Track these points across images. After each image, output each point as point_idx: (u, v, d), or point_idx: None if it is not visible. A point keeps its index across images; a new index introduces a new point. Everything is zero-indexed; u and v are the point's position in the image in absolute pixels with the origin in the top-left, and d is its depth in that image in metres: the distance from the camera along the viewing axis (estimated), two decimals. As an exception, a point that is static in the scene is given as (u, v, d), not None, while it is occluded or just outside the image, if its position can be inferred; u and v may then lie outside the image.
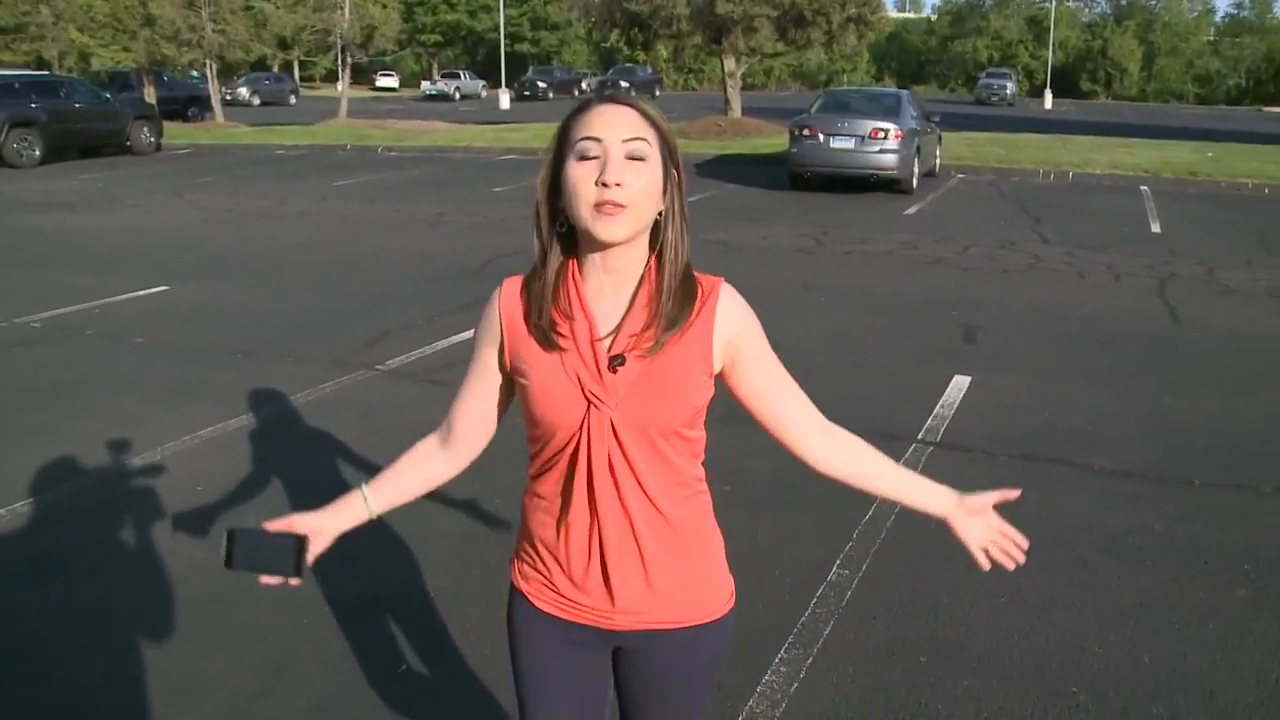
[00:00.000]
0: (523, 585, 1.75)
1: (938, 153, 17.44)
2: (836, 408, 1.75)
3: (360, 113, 31.17)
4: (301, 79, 57.62)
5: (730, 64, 24.03)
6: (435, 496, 4.23)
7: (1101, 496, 4.49)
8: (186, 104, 30.30)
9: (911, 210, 13.63)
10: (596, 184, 1.51)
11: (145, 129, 21.50)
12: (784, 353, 1.71)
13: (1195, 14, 74.08)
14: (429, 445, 1.78)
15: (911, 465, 4.29)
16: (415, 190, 15.66)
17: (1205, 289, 8.87)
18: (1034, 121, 31.37)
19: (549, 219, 1.61)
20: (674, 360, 1.58)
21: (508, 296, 1.65)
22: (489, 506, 4.28)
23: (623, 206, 1.51)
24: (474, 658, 3.24)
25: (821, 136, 14.98)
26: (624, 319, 1.58)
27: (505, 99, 42.46)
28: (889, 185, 15.03)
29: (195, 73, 32.46)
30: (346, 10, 29.21)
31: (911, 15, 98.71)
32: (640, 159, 1.53)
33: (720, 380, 1.67)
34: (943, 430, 5.27)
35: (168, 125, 23.66)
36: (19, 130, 18.64)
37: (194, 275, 9.17)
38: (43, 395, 5.85)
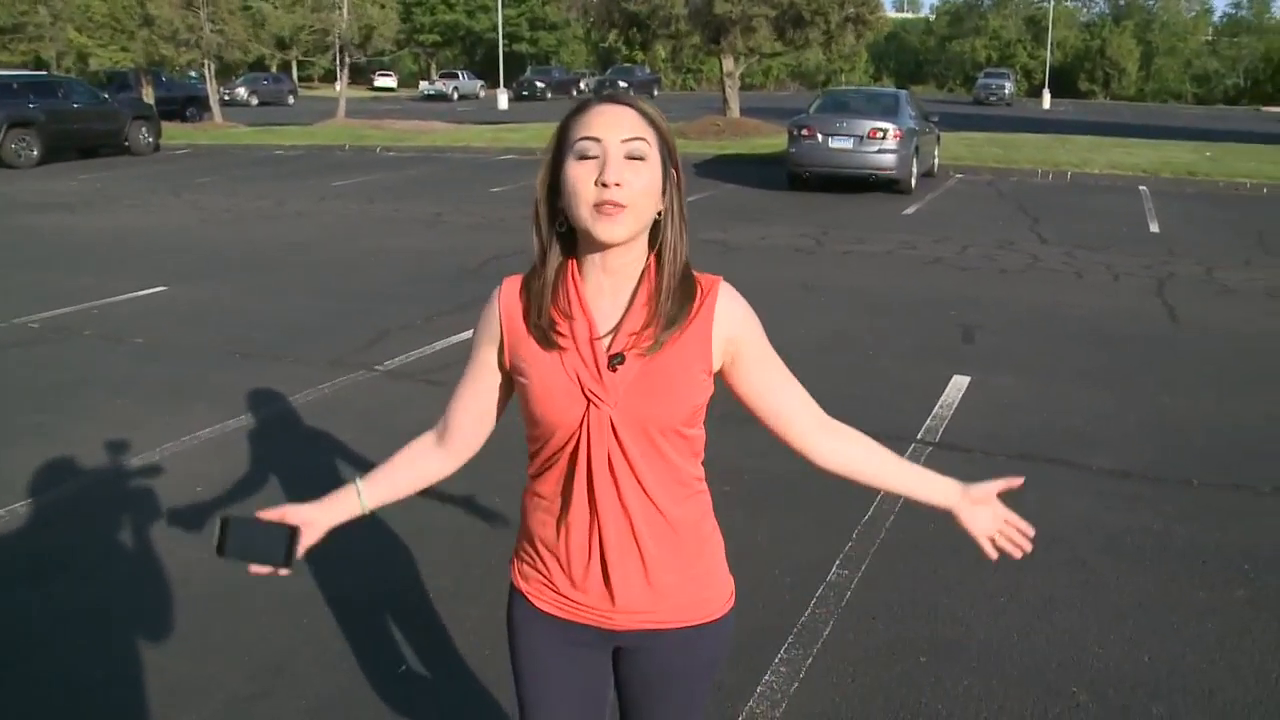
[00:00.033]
0: (522, 585, 1.75)
1: (936, 153, 17.44)
2: (836, 408, 1.75)
3: (358, 113, 31.16)
4: (299, 79, 57.56)
5: (728, 64, 24.04)
6: (435, 496, 4.26)
7: (1100, 496, 4.50)
8: (185, 104, 30.26)
9: (910, 210, 13.64)
10: (596, 184, 1.51)
11: (143, 129, 21.49)
12: (783, 353, 1.71)
13: (1193, 14, 74.10)
14: (424, 443, 1.78)
15: (911, 465, 4.29)
16: (414, 190, 15.66)
17: (1204, 289, 8.88)
18: (1032, 121, 31.38)
19: (548, 219, 1.61)
20: (673, 359, 1.58)
21: (507, 295, 1.65)
22: (488, 506, 4.28)
23: (622, 207, 1.51)
24: (474, 658, 3.24)
25: (820, 136, 14.98)
26: (623, 318, 1.58)
27: (503, 99, 42.44)
28: (887, 185, 15.03)
29: (193, 73, 32.44)
30: (344, 10, 29.20)
31: (910, 15, 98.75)
32: (640, 159, 1.54)
33: (720, 379, 1.68)
34: (941, 430, 5.27)
35: (166, 125, 23.65)
36: (17, 130, 18.63)
37: (192, 276, 9.16)
38: (41, 396, 5.85)
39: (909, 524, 4.16)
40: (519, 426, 1.70)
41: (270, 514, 1.66)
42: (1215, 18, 77.23)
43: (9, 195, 14.88)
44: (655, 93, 50.27)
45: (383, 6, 30.95)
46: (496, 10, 50.76)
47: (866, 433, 1.76)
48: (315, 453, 5.01)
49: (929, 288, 8.80)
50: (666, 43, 25.40)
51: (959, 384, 6.01)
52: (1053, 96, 50.24)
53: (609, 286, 1.60)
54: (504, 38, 50.19)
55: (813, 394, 1.74)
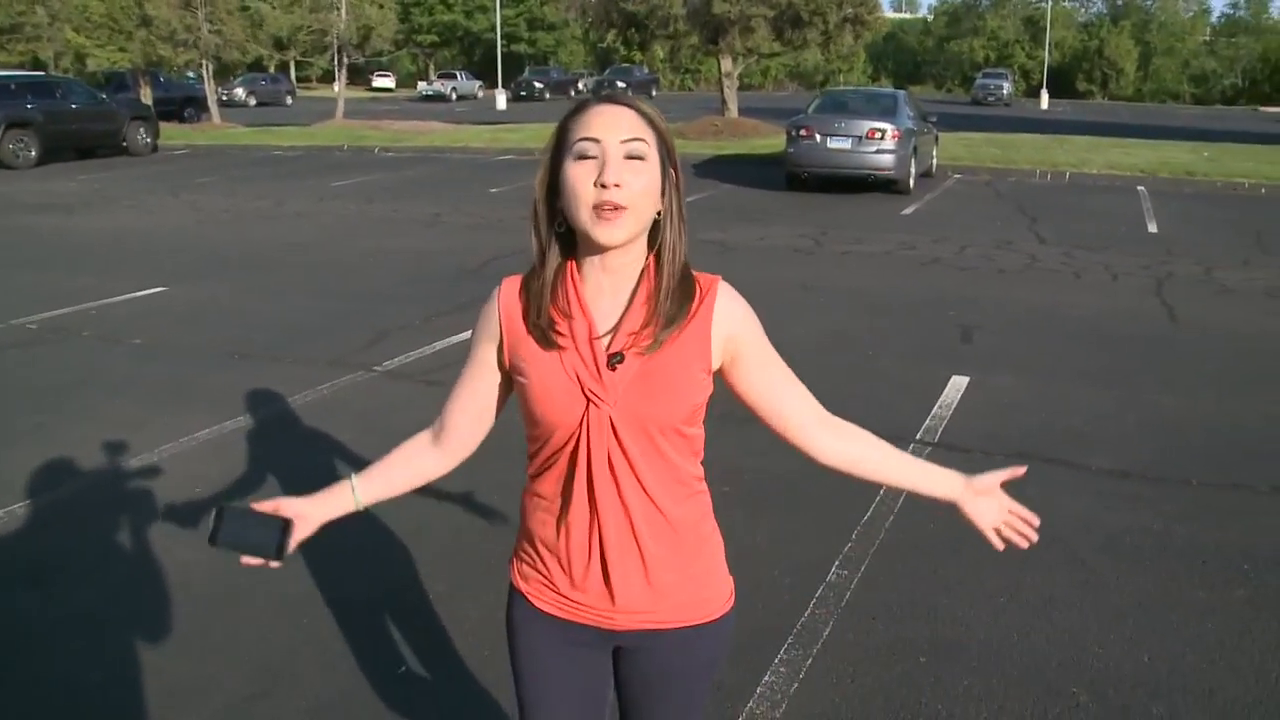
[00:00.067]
0: (522, 585, 1.75)
1: (934, 153, 17.45)
2: (835, 408, 1.75)
3: (357, 113, 31.15)
4: (298, 79, 57.56)
5: (727, 64, 24.04)
6: (434, 496, 4.25)
7: (1099, 496, 4.50)
8: (183, 105, 30.26)
9: (908, 210, 13.64)
10: (595, 185, 1.51)
11: (142, 130, 21.48)
12: (782, 354, 1.71)
13: (1191, 14, 74.22)
14: (421, 441, 1.78)
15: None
16: (412, 191, 15.65)
17: (1202, 289, 8.88)
18: (1030, 121, 31.39)
19: (547, 219, 1.61)
20: (672, 357, 1.58)
21: (507, 295, 1.65)
22: (488, 506, 4.28)
23: (622, 208, 1.51)
24: (473, 659, 3.24)
25: (818, 137, 14.99)
26: (622, 317, 1.58)
27: (502, 99, 42.45)
28: (886, 185, 15.04)
29: (191, 73, 32.39)
30: (343, 11, 29.19)
31: (908, 15, 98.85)
32: (639, 159, 1.54)
33: (721, 378, 1.68)
34: (941, 430, 5.27)
35: (164, 126, 23.63)
36: (15, 131, 18.62)
37: (191, 276, 9.16)
38: (39, 397, 5.84)
39: (909, 524, 4.16)
40: (518, 426, 1.69)
41: (264, 506, 1.67)
42: (1213, 18, 77.50)
43: (7, 196, 14.87)
44: (653, 93, 50.26)
45: (381, 7, 30.93)
46: (495, 10, 50.74)
47: (867, 432, 1.76)
48: (314, 453, 5.01)
49: (927, 288, 8.80)
50: (665, 43, 25.41)
51: (958, 384, 6.01)
52: (1051, 97, 50.27)
53: (608, 286, 1.60)
54: (502, 38, 50.18)
55: (812, 394, 1.73)
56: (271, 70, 48.24)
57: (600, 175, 1.51)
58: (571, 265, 1.61)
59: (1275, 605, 3.58)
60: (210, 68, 28.32)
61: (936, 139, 17.73)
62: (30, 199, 14.53)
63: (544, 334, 1.59)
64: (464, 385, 1.73)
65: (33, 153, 18.86)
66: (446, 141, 23.32)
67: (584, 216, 1.53)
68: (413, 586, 3.72)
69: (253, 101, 44.48)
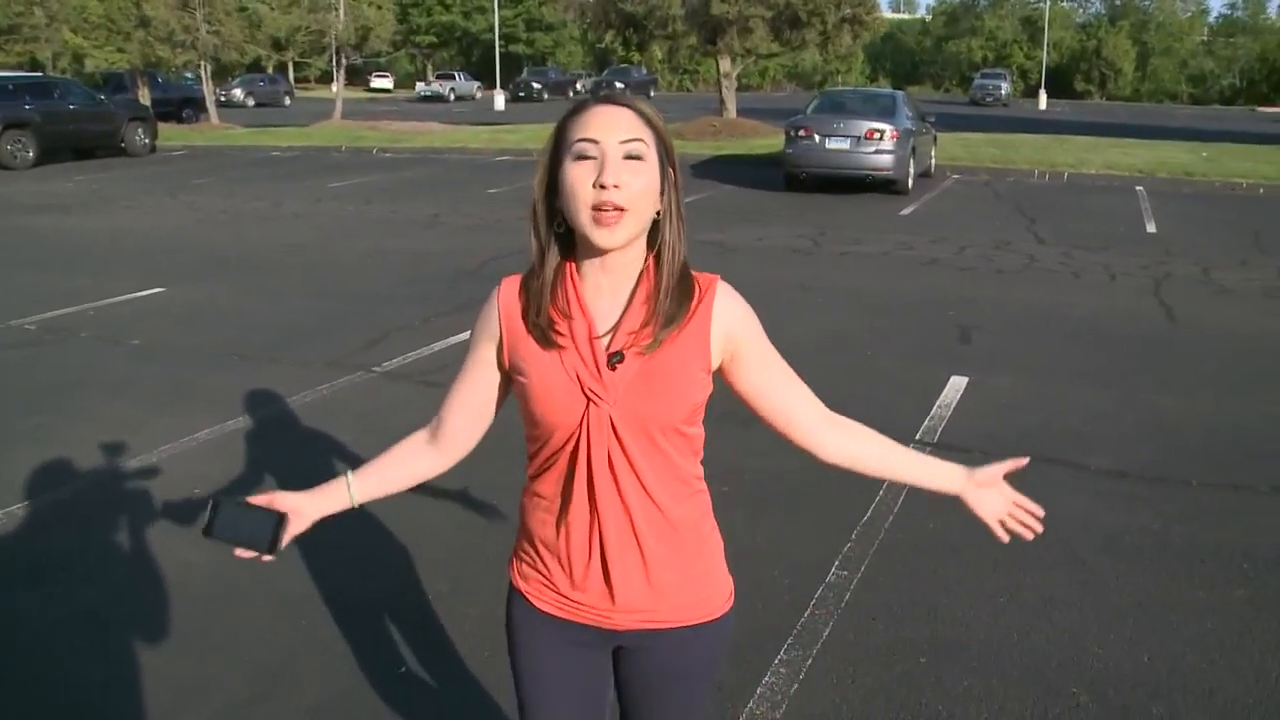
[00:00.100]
0: (522, 585, 1.75)
1: (933, 153, 17.46)
2: (834, 409, 1.75)
3: (355, 114, 31.13)
4: (296, 80, 57.51)
5: (725, 65, 24.04)
6: (434, 496, 4.25)
7: (1098, 496, 4.50)
8: (181, 105, 30.24)
9: (907, 211, 13.64)
10: (594, 185, 1.51)
11: (140, 130, 21.47)
12: (781, 354, 1.72)
13: (1189, 14, 74.23)
14: (418, 440, 1.78)
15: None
16: (410, 191, 15.65)
17: (1201, 289, 8.89)
18: (1029, 122, 31.41)
19: (546, 220, 1.61)
20: (672, 357, 1.58)
21: (507, 295, 1.65)
22: (488, 506, 4.27)
23: (621, 209, 1.51)
24: (474, 659, 3.24)
25: (817, 137, 14.99)
26: (622, 317, 1.59)
27: (500, 100, 42.44)
28: (885, 186, 15.04)
29: (190, 74, 32.38)
30: (341, 11, 29.18)
31: (906, 16, 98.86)
32: (638, 159, 1.54)
33: (722, 378, 1.68)
34: (940, 431, 5.27)
35: (162, 126, 23.61)
36: (13, 132, 18.61)
37: (190, 277, 9.15)
38: (39, 398, 5.84)
39: (908, 524, 4.16)
40: (518, 426, 1.69)
41: (260, 500, 1.67)
42: (1211, 18, 77.52)
43: (5, 196, 14.86)
44: (652, 94, 50.25)
45: (379, 7, 30.93)
46: (493, 11, 50.73)
47: (867, 432, 1.76)
48: (313, 454, 5.00)
49: (926, 288, 8.81)
50: (663, 43, 25.40)
51: (957, 384, 6.01)
52: (1049, 97, 50.30)
53: (608, 286, 1.60)
54: (500, 39, 50.17)
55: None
56: (269, 71, 48.13)
57: (599, 176, 1.51)
58: (571, 265, 1.61)
59: (1275, 605, 3.58)
60: (208, 68, 28.31)
61: (935, 139, 17.74)
62: (28, 200, 14.52)
63: (544, 334, 1.59)
64: (462, 384, 1.73)
65: (30, 153, 18.85)
66: (445, 142, 23.31)
67: (583, 218, 1.53)
68: (413, 587, 3.72)
69: (251, 102, 44.45)
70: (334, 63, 30.70)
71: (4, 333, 7.20)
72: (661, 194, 1.58)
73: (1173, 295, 8.55)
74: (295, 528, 1.68)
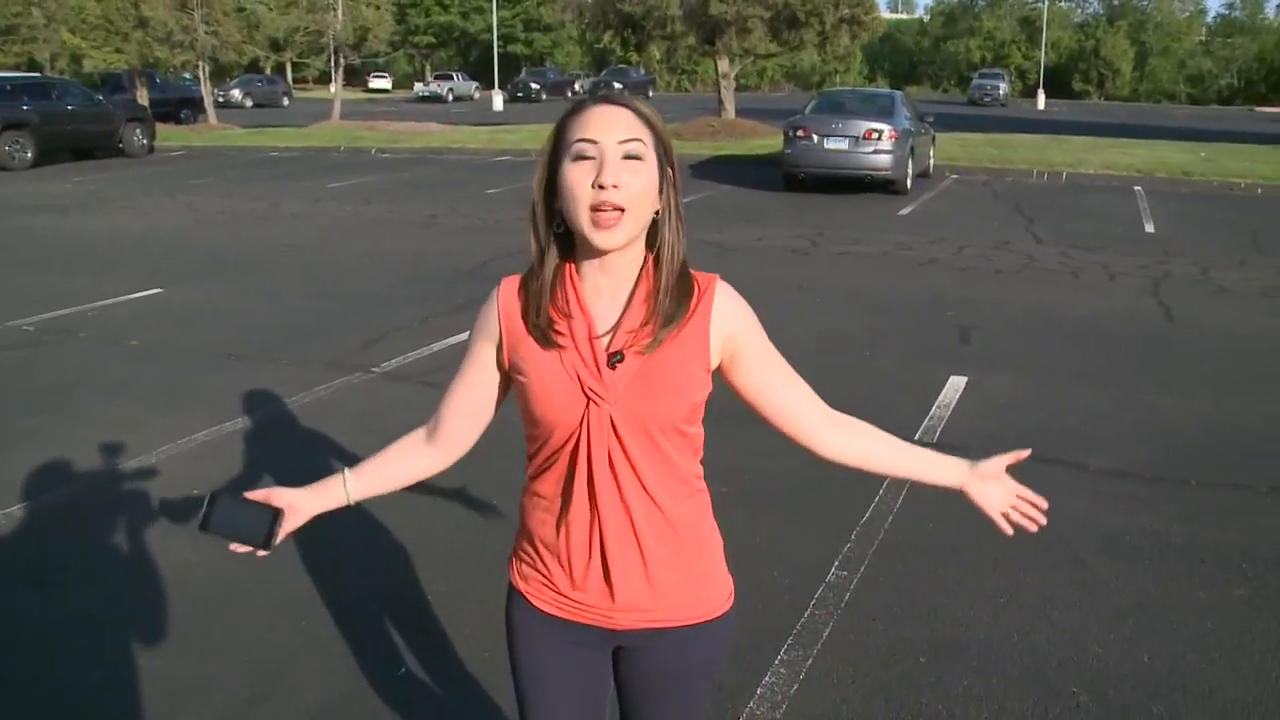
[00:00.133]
0: (521, 585, 1.75)
1: (931, 153, 17.46)
2: (833, 409, 1.75)
3: (353, 114, 31.12)
4: (294, 81, 57.51)
5: (724, 65, 24.04)
6: (434, 496, 4.25)
7: (1098, 496, 4.50)
8: (179, 106, 30.21)
9: (906, 211, 13.65)
10: (593, 185, 1.51)
11: (138, 131, 21.45)
12: (780, 353, 1.72)
13: (1187, 14, 74.24)
14: (415, 439, 1.78)
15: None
16: (409, 192, 15.64)
17: (1199, 289, 8.89)
18: (1027, 122, 31.43)
19: (545, 220, 1.61)
20: (672, 356, 1.58)
21: (506, 294, 1.65)
22: (489, 506, 4.27)
23: (621, 209, 1.51)
24: (474, 660, 3.23)
25: (816, 137, 15.00)
26: (622, 316, 1.59)
27: (498, 100, 42.43)
28: (883, 186, 15.05)
29: (188, 75, 32.38)
30: (339, 12, 29.16)
31: (904, 16, 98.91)
32: (636, 159, 1.54)
33: (722, 378, 1.68)
34: (939, 431, 5.27)
35: (160, 127, 23.60)
36: (11, 132, 18.59)
37: (188, 277, 9.15)
38: (37, 398, 5.83)
39: (908, 524, 4.16)
40: (517, 427, 1.69)
41: (256, 495, 1.68)
42: (1209, 18, 77.53)
43: (3, 197, 14.85)
44: (650, 94, 50.23)
45: (377, 8, 30.91)
46: (491, 12, 50.70)
47: (867, 432, 1.76)
48: (312, 455, 5.00)
49: (925, 288, 8.81)
50: (661, 44, 25.37)
51: (956, 384, 6.01)
52: (1047, 97, 50.34)
53: (607, 286, 1.60)
54: (498, 39, 50.15)
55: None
56: (268, 71, 48.10)
57: (598, 176, 1.51)
58: (570, 266, 1.61)
59: (1275, 605, 3.58)
60: (206, 69, 28.30)
61: (933, 139, 17.74)
62: (26, 200, 14.51)
63: (544, 334, 1.59)
64: (460, 384, 1.72)
65: (28, 154, 18.83)
66: (443, 143, 23.30)
67: (582, 219, 1.53)
68: (413, 587, 3.72)
69: (249, 103, 44.40)
70: (332, 63, 30.67)
71: (3, 334, 7.20)
72: (660, 194, 1.58)
73: (1171, 295, 8.56)
74: (291, 524, 1.68)
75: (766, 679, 3.11)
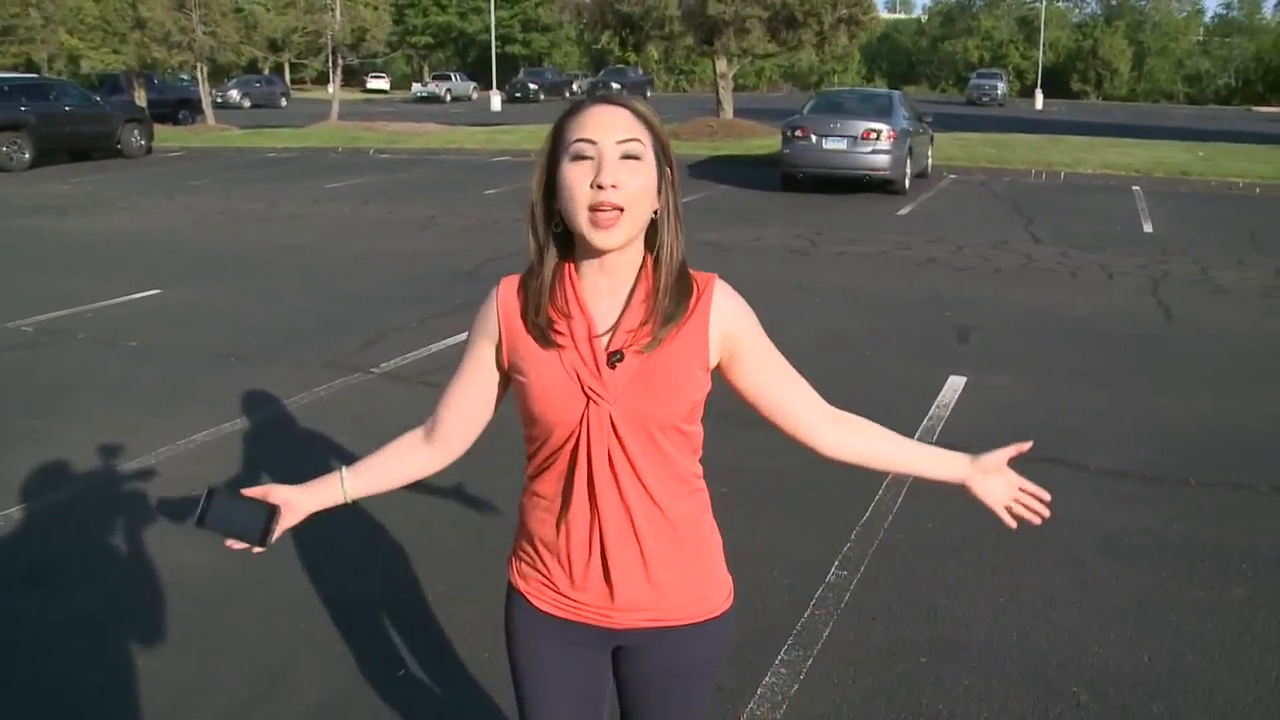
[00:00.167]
0: (521, 585, 1.75)
1: (930, 153, 17.47)
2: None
3: (351, 115, 31.12)
4: (292, 81, 57.48)
5: (722, 65, 24.04)
6: (434, 496, 4.24)
7: (1097, 496, 4.50)
8: (177, 107, 30.20)
9: (904, 211, 13.65)
10: (592, 186, 1.51)
11: (136, 132, 21.44)
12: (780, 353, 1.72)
13: (1185, 14, 74.30)
14: (413, 438, 1.78)
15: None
16: (407, 192, 15.64)
17: (1198, 288, 8.90)
18: (1025, 122, 31.43)
19: (544, 220, 1.61)
20: (671, 355, 1.58)
21: (505, 294, 1.65)
22: (489, 506, 4.27)
23: (619, 209, 1.51)
24: (473, 660, 3.23)
25: (814, 137, 15.00)
26: (621, 316, 1.59)
27: (497, 101, 42.42)
28: (882, 186, 15.05)
29: (186, 75, 32.35)
30: (337, 12, 29.15)
31: (902, 16, 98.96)
32: (635, 159, 1.54)
33: (722, 377, 1.68)
34: (938, 431, 5.27)
35: (158, 128, 23.58)
36: (8, 133, 18.58)
37: (186, 278, 9.14)
38: (36, 400, 5.83)
39: (908, 524, 4.16)
40: (516, 426, 1.69)
41: (253, 491, 1.67)
42: (1206, 18, 77.55)
43: (1, 199, 14.83)
44: (648, 94, 50.18)
45: (375, 8, 30.89)
46: (489, 12, 50.69)
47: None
48: (311, 455, 5.00)
49: (924, 288, 8.81)
50: (659, 44, 25.37)
51: (955, 384, 6.01)
52: (1045, 97, 50.36)
53: (606, 286, 1.60)
54: (496, 39, 50.11)
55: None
56: (266, 72, 48.06)
57: (597, 176, 1.51)
58: (569, 265, 1.61)
59: (1275, 605, 3.58)
60: (204, 70, 28.28)
61: (931, 139, 17.75)
62: (24, 201, 14.50)
63: (543, 333, 1.59)
64: (459, 383, 1.72)
65: (26, 155, 18.82)
66: (441, 143, 23.30)
67: (581, 219, 1.53)
68: (413, 587, 3.71)
69: (247, 103, 44.37)
70: (330, 64, 30.66)
71: (2, 335, 7.19)
72: (659, 194, 1.59)
73: (1170, 295, 8.56)
74: (288, 521, 1.68)
75: (767, 679, 3.10)
